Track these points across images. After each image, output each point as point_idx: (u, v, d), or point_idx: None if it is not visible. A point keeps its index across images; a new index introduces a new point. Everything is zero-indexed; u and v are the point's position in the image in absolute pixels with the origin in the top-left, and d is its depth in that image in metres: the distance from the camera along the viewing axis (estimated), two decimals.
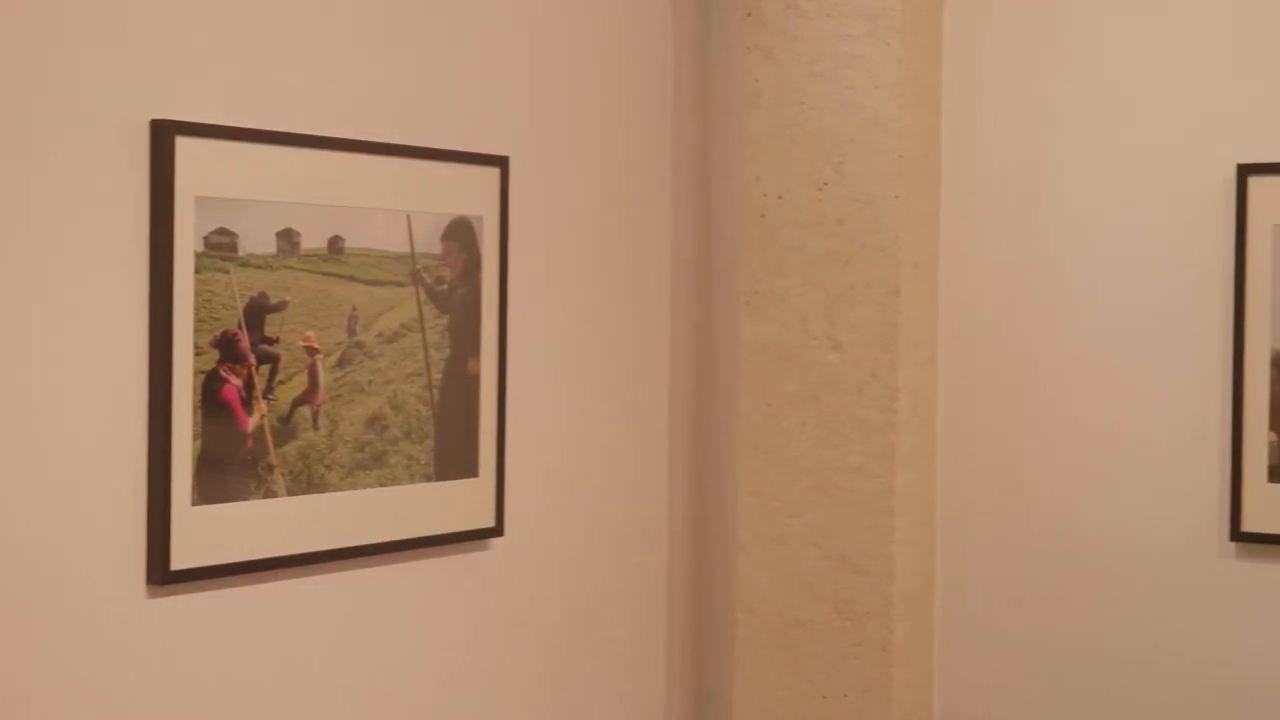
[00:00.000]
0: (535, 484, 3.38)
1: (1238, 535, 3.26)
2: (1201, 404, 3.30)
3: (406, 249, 3.06)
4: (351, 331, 2.97)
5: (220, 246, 2.73)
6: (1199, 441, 3.30)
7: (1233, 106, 3.26)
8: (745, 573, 3.54)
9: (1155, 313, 3.34)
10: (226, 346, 2.75)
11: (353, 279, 2.96)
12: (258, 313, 2.80)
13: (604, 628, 3.59)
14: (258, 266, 2.79)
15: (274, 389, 2.83)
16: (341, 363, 2.96)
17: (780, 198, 3.46)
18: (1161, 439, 3.34)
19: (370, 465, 3.01)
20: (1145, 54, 3.35)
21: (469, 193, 3.18)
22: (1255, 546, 3.26)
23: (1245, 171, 3.22)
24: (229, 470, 2.76)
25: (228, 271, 2.74)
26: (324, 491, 2.93)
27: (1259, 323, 3.22)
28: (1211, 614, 3.31)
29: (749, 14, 3.48)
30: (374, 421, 3.02)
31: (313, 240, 2.89)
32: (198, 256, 2.69)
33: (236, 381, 2.77)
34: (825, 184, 3.42)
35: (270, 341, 2.82)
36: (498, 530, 3.27)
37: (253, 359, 2.79)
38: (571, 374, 3.49)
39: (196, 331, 2.69)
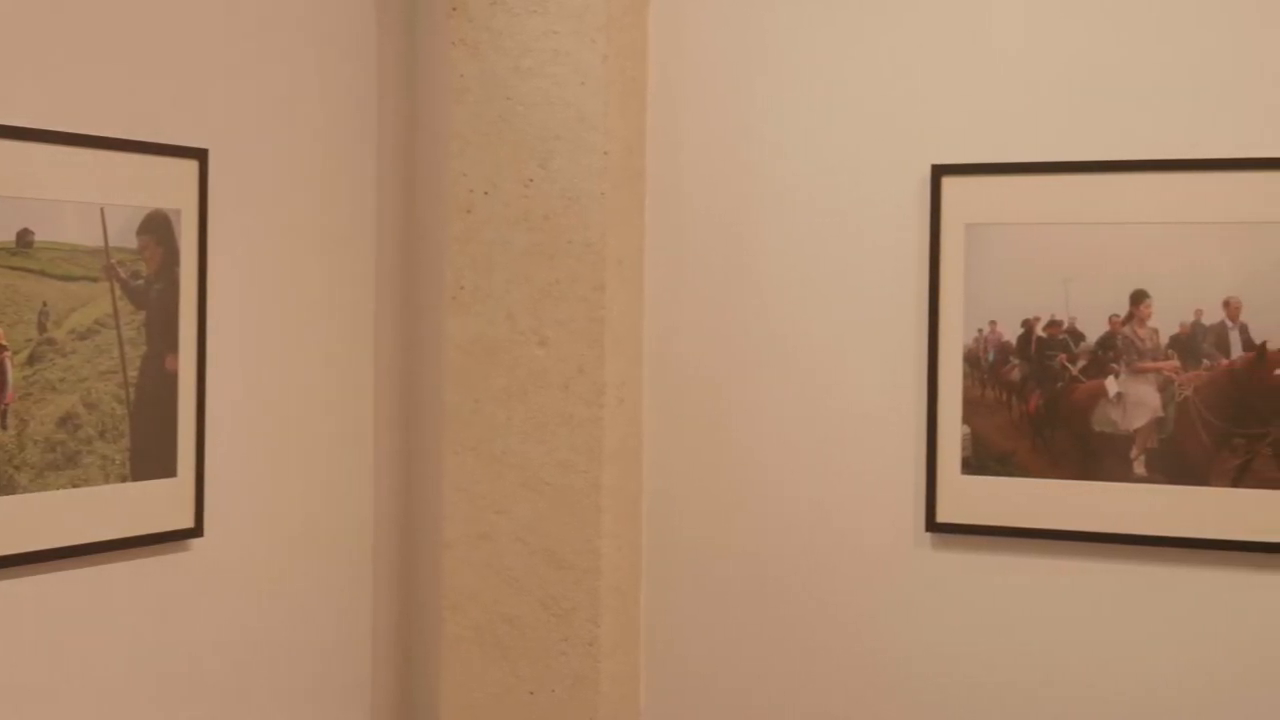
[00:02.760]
0: (236, 483, 3.32)
1: (933, 526, 3.34)
2: (898, 398, 3.38)
3: (100, 243, 2.97)
4: (42, 328, 2.87)
5: None
6: (896, 435, 3.38)
7: (927, 108, 3.35)
8: (452, 570, 3.52)
9: (854, 309, 3.41)
10: None
11: (43, 274, 2.86)
12: None
13: (308, 627, 3.54)
14: None
15: None
16: (31, 360, 2.86)
17: (486, 193, 3.45)
18: (861, 433, 3.41)
19: (62, 465, 2.92)
20: (844, 57, 3.41)
21: (166, 186, 3.10)
22: (949, 537, 3.35)
23: (939, 172, 3.31)
24: None
25: None
26: (13, 493, 2.83)
27: (952, 320, 3.31)
28: (908, 603, 3.39)
29: (454, 8, 3.46)
30: (66, 420, 2.93)
31: None
32: None
33: None
34: (531, 180, 3.41)
35: None
36: (197, 531, 3.20)
37: None
38: (274, 371, 3.42)
39: None
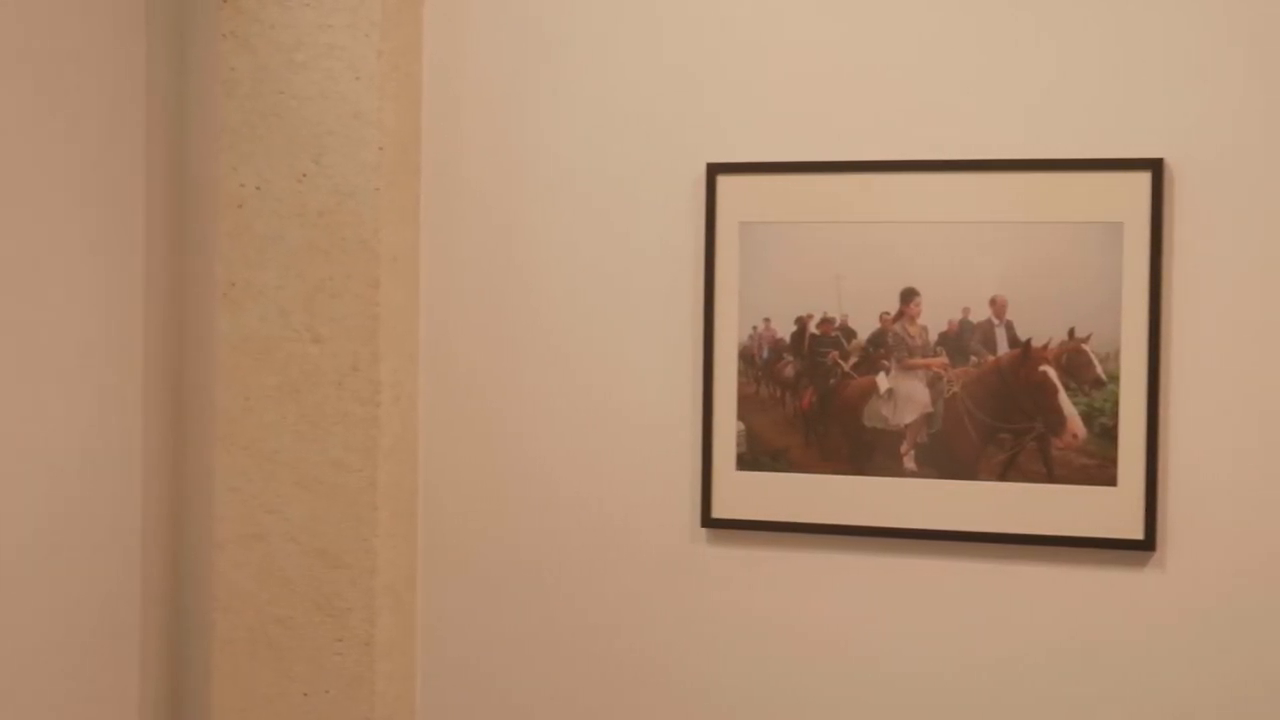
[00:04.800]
0: (1, 483, 3.24)
1: (708, 522, 3.37)
2: (674, 395, 3.40)
3: None
4: None
5: None
6: (672, 432, 3.40)
7: (702, 107, 3.37)
8: (223, 570, 3.46)
9: (630, 307, 3.42)
10: None
11: None
12: None
13: (74, 630, 3.45)
14: None
15: None
16: None
17: (258, 188, 3.40)
18: (637, 430, 3.43)
19: None
20: (620, 55, 3.43)
21: None
22: (724, 532, 3.38)
23: (714, 171, 3.34)
24: None
25: None
26: None
27: (727, 317, 3.34)
28: (685, 598, 3.41)
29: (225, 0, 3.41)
30: None
31: None
32: None
33: None
34: (305, 175, 3.37)
35: None
36: None
37: None
38: (37, 369, 3.33)
39: None
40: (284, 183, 3.39)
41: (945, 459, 3.23)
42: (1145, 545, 3.13)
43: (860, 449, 3.28)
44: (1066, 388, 3.16)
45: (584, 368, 3.46)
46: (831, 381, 3.30)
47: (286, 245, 3.39)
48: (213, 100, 3.52)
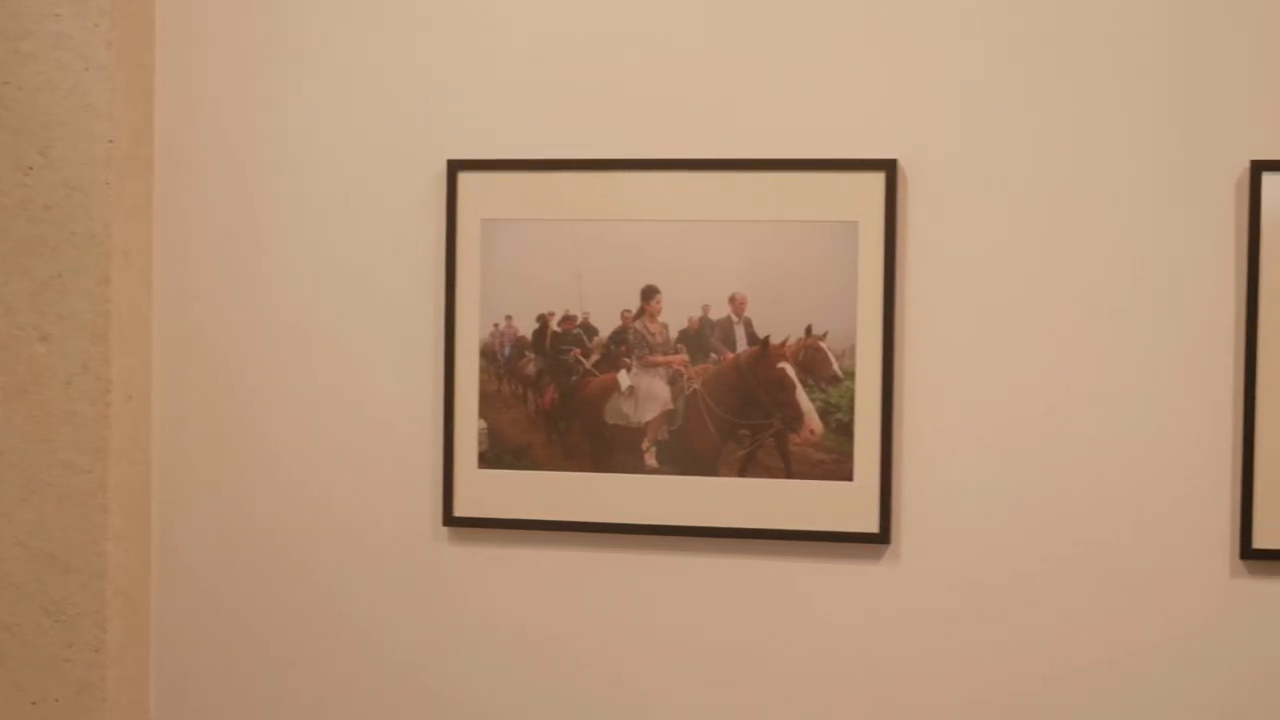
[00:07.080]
0: None
1: (450, 520, 3.35)
2: (415, 393, 3.38)
3: None
4: None
5: None
6: (414, 430, 3.38)
7: (444, 103, 3.35)
8: None
9: (370, 304, 3.39)
10: None
11: None
12: None
13: None
14: None
15: None
16: None
17: None
18: (379, 428, 3.40)
19: None
20: (360, 48, 3.39)
21: None
22: (466, 530, 3.37)
23: (455, 167, 3.32)
24: None
25: None
26: None
27: (469, 314, 3.32)
28: (427, 598, 3.39)
29: None
30: None
31: None
32: None
33: None
34: (31, 168, 3.28)
35: None
36: None
37: None
38: None
39: None
40: (9, 175, 3.30)
41: (686, 456, 3.26)
42: (880, 539, 3.19)
43: (602, 446, 3.29)
44: (804, 384, 3.21)
45: (324, 365, 3.42)
46: (573, 379, 3.30)
47: (12, 240, 3.30)
48: None
